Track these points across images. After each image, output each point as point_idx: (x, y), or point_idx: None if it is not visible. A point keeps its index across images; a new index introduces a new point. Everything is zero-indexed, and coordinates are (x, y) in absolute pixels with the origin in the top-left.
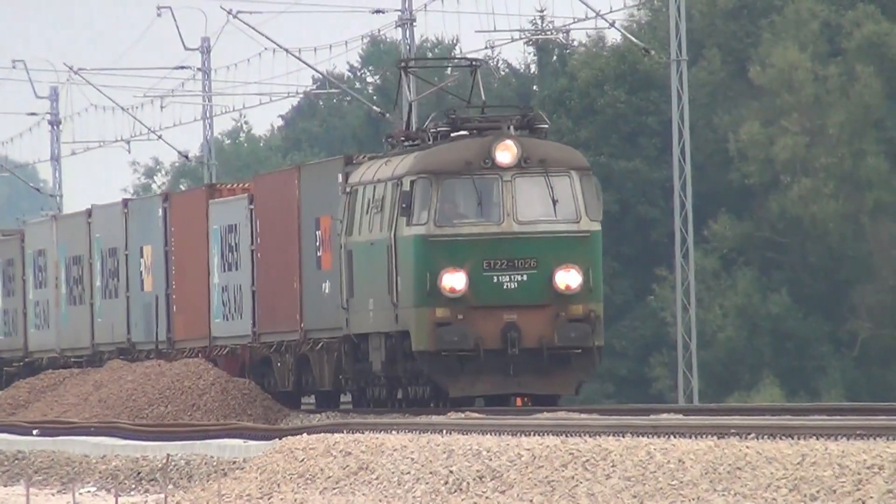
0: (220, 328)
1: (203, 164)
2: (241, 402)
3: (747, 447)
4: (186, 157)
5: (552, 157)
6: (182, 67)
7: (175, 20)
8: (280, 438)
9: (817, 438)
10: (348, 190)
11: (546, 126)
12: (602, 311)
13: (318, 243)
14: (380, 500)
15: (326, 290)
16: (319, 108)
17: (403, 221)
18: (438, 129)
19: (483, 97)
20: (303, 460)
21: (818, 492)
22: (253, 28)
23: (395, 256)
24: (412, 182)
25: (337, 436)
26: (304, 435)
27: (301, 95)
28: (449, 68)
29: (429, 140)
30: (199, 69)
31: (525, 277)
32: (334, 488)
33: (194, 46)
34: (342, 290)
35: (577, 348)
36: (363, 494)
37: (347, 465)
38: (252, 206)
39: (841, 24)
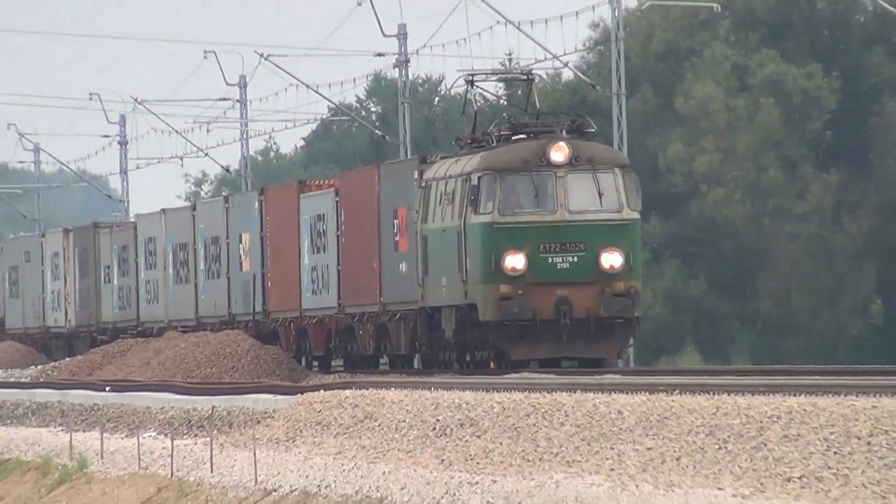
0: (310, 301)
1: (241, 175)
2: (271, 365)
3: (673, 401)
4: (227, 170)
5: (599, 157)
6: (224, 99)
7: (218, 61)
8: (302, 394)
9: (728, 394)
10: (423, 185)
11: (593, 130)
12: (640, 288)
13: (395, 230)
14: (381, 443)
15: (403, 270)
16: (333, 132)
17: (471, 211)
18: (501, 132)
19: (538, 105)
20: (320, 411)
21: (729, 436)
22: (280, 68)
23: (465, 241)
24: (479, 178)
25: (347, 392)
26: (321, 391)
27: (318, 122)
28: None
29: (492, 142)
30: (237, 100)
31: (575, 259)
32: (345, 433)
33: (234, 83)
34: (418, 270)
35: (619, 318)
36: (368, 438)
37: (355, 415)
38: (338, 199)
39: (748, 65)
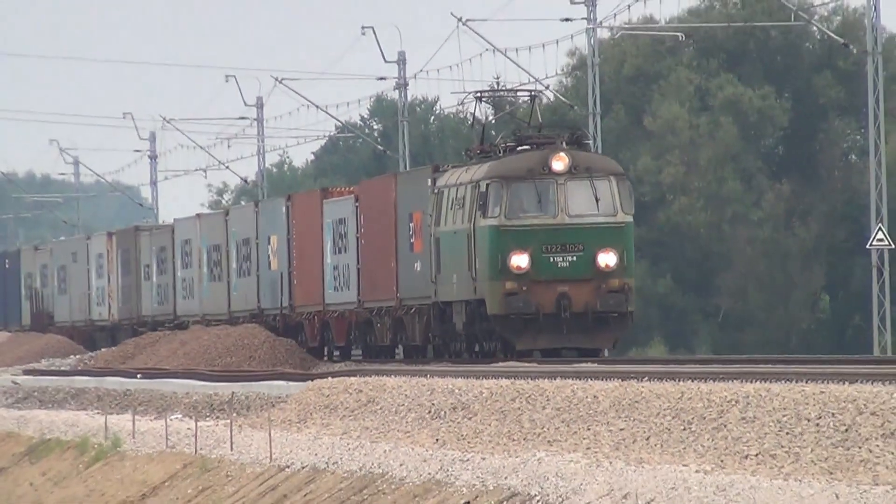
0: (332, 297)
1: (258, 186)
2: (285, 355)
3: (642, 387)
4: (246, 181)
5: (595, 166)
6: (243, 118)
7: (238, 84)
8: (312, 381)
9: (692, 381)
10: (436, 191)
11: (589, 142)
12: (633, 285)
13: (410, 232)
14: (382, 424)
15: (417, 268)
16: (340, 147)
17: (480, 215)
18: (507, 143)
19: (540, 119)
20: (328, 396)
21: (692, 418)
22: (293, 90)
23: (474, 242)
24: (487, 185)
25: (352, 378)
26: (329, 378)
27: (327, 138)
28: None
29: (499, 153)
30: (254, 119)
31: (574, 258)
32: (350, 415)
33: (252, 103)
34: (431, 268)
35: (614, 313)
36: (370, 420)
37: (360, 399)
38: (357, 204)
39: (709, 88)
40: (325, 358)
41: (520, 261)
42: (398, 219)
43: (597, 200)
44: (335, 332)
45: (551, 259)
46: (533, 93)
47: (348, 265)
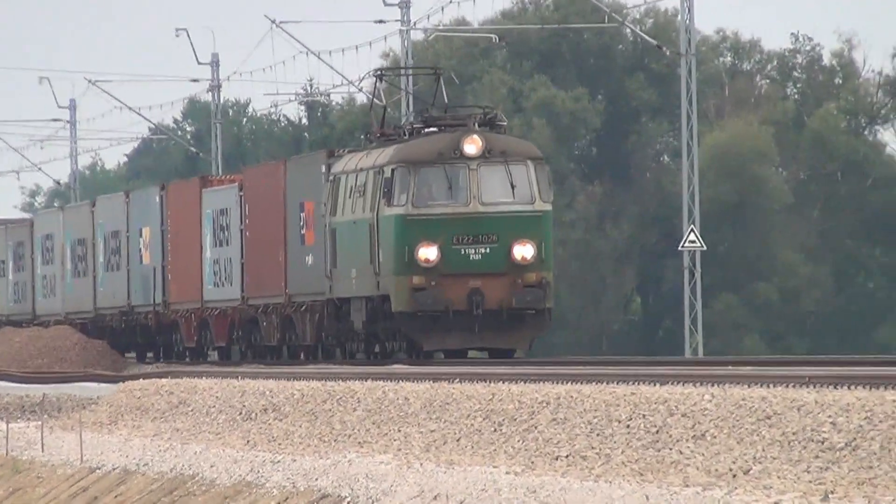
0: (212, 293)
1: (71, 188)
2: (96, 356)
3: (454, 388)
4: (59, 183)
5: (511, 149)
6: (56, 120)
7: (51, 86)
8: (123, 382)
9: (503, 382)
10: (331, 178)
11: (504, 123)
12: (552, 279)
13: (301, 223)
14: (193, 426)
15: (309, 262)
16: (153, 149)
17: (385, 203)
18: (413, 125)
19: (446, 100)
20: (139, 397)
21: (503, 420)
22: (106, 92)
23: (378, 233)
24: (393, 170)
25: (163, 380)
26: (141, 380)
27: (140, 140)
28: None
29: (404, 135)
30: (67, 121)
31: (487, 250)
32: (161, 417)
33: (65, 105)
34: (326, 262)
35: (531, 310)
36: (181, 422)
37: (171, 401)
38: (241, 193)
39: (522, 90)
40: (202, 359)
41: (428, 253)
42: (287, 208)
43: (512, 187)
44: (215, 331)
45: (462, 251)
46: (438, 71)
47: (231, 259)
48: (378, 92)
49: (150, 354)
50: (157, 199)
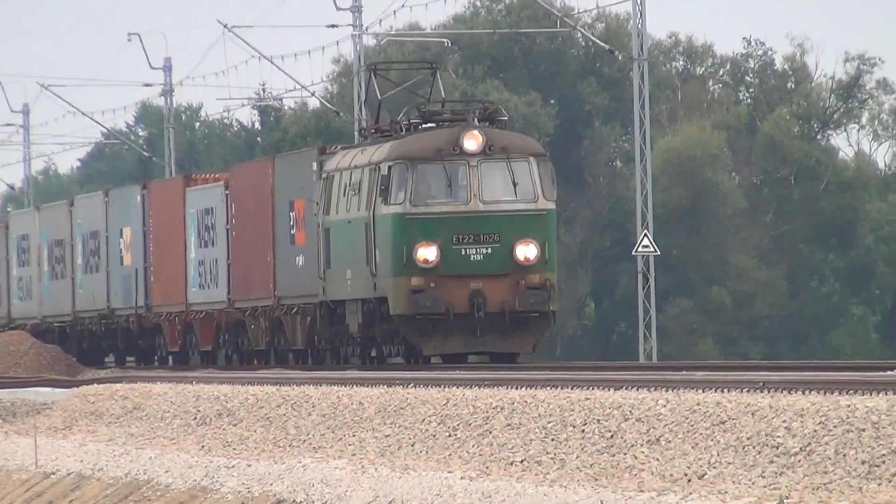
0: (197, 295)
1: (24, 193)
2: (51, 361)
3: (408, 393)
4: (12, 187)
5: (513, 145)
6: (9, 125)
7: (4, 91)
8: (78, 387)
9: (458, 387)
10: (324, 176)
11: (505, 118)
12: (556, 280)
13: (291, 223)
14: (148, 431)
15: (300, 263)
16: (106, 154)
17: (381, 201)
18: (411, 121)
19: (443, 94)
20: (94, 402)
21: (458, 424)
22: (59, 97)
23: (374, 232)
24: (390, 167)
25: (118, 385)
26: (95, 385)
27: (93, 145)
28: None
29: (401, 131)
30: (20, 126)
31: (489, 250)
32: (116, 422)
33: (18, 110)
34: (319, 263)
35: (534, 312)
36: (136, 427)
37: (125, 406)
38: (227, 192)
39: (474, 94)
40: (185, 363)
41: (427, 253)
42: (276, 208)
43: (514, 185)
44: (200, 334)
45: (463, 251)
46: (433, 66)
47: (216, 260)
48: (372, 86)
49: (130, 359)
50: (139, 198)
